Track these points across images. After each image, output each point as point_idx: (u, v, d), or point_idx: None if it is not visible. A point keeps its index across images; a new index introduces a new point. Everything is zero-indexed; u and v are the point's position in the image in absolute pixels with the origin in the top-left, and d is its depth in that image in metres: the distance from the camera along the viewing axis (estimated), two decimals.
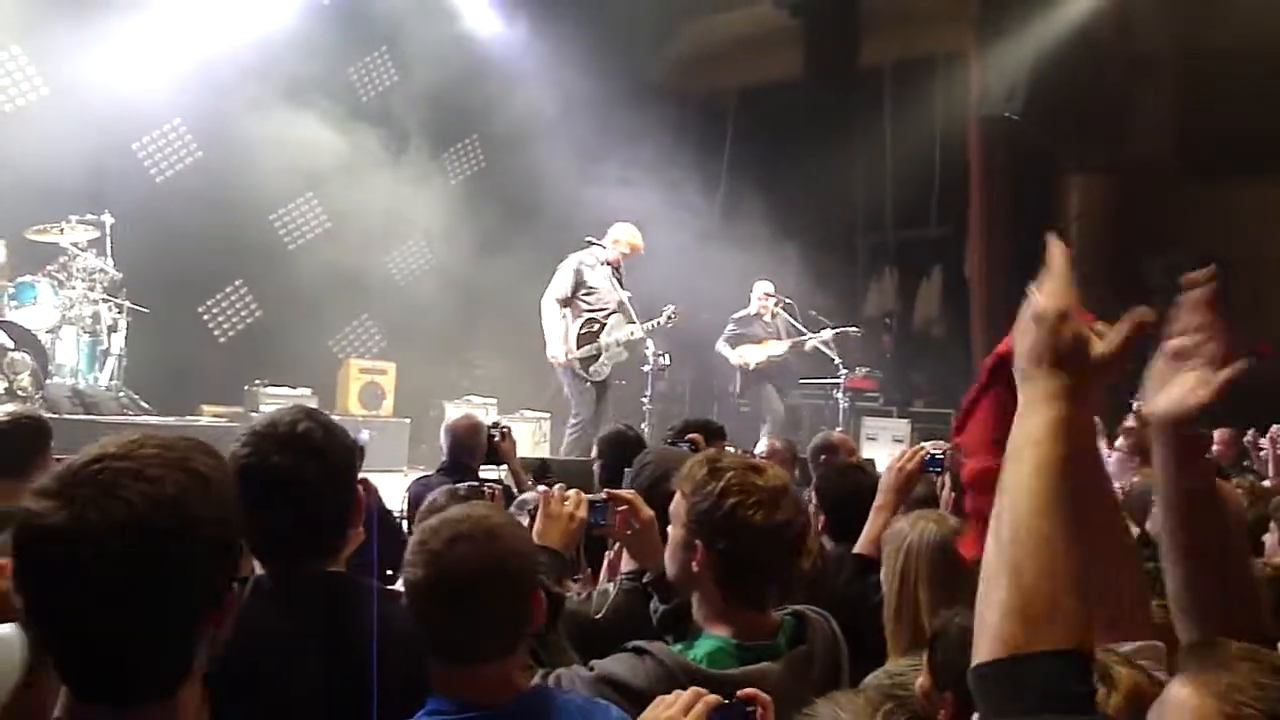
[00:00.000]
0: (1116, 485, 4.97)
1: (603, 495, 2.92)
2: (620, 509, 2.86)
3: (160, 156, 11.00)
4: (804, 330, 10.32)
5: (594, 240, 9.08)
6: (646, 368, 9.21)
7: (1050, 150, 11.49)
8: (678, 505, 2.45)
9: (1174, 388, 1.19)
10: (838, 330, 10.29)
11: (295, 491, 2.16)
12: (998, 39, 11.13)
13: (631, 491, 2.98)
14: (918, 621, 2.64)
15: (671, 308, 9.16)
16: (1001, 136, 11.51)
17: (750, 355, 10.42)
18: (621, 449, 4.54)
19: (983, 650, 1.19)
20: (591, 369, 9.07)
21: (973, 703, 1.21)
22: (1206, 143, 10.75)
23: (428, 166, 11.56)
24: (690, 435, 4.71)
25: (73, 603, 1.35)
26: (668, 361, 9.43)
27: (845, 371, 10.30)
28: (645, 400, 9.38)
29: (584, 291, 9.06)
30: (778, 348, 10.37)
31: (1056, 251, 1.43)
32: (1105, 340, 1.34)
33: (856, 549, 3.49)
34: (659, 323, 9.09)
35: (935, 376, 11.98)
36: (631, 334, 9.08)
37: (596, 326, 9.07)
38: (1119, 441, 5.54)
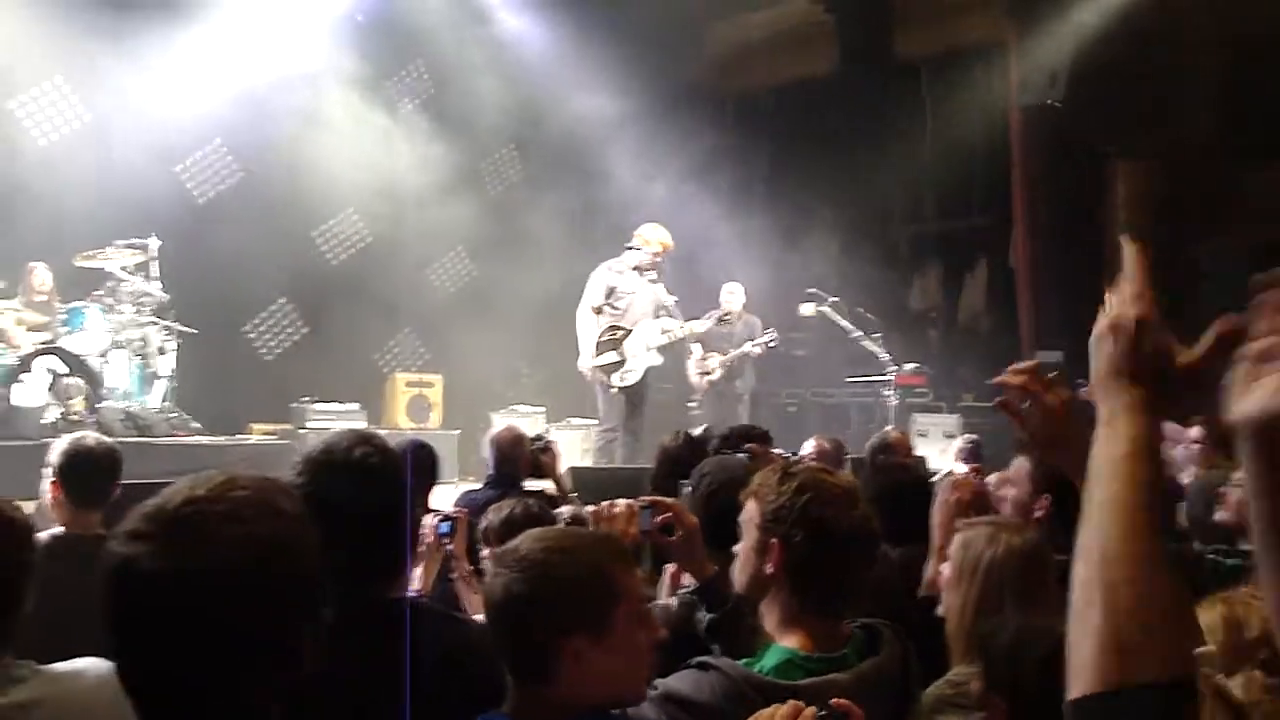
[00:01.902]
0: (1184, 477, 4.90)
1: (645, 501, 2.89)
2: (662, 516, 2.83)
3: (203, 178, 11.14)
4: (852, 327, 10.21)
5: (631, 245, 9.06)
6: (695, 378, 9.17)
7: (1094, 137, 11.33)
8: (750, 512, 2.43)
9: (1260, 389, 1.15)
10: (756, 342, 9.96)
11: (356, 519, 2.14)
12: (1036, 26, 11.00)
13: (674, 500, 2.94)
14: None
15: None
16: (1043, 125, 11.37)
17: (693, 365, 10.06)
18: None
19: (1079, 683, 1.15)
20: (615, 376, 8.97)
21: (1023, 708, 1.18)
22: (1254, 124, 10.55)
23: (467, 177, 11.59)
24: (748, 445, 4.65)
25: (165, 646, 1.35)
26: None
27: (894, 368, 10.21)
28: (693, 406, 9.35)
29: (614, 298, 9.01)
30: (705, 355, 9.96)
31: (1132, 254, 1.37)
32: (1190, 349, 1.29)
33: (921, 591, 3.34)
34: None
35: (984, 370, 11.83)
36: (668, 336, 8.99)
37: (620, 333, 8.98)
38: (1193, 431, 5.42)
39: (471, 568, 3.61)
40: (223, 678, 1.37)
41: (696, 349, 9.78)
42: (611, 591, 2.00)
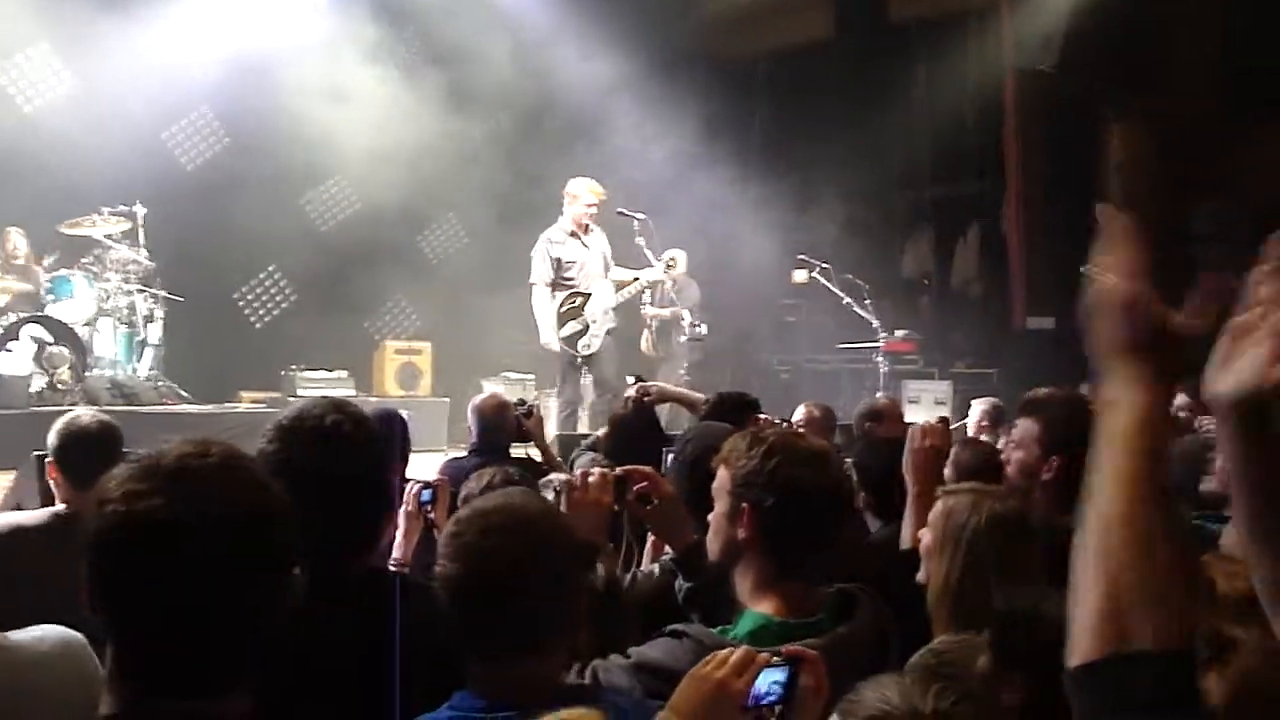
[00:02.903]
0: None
1: (621, 471, 2.87)
2: (638, 485, 2.80)
3: (189, 145, 11.06)
4: (843, 294, 10.12)
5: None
6: (682, 339, 9.05)
7: (1088, 99, 11.27)
8: (721, 478, 2.42)
9: (1238, 365, 1.12)
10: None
11: (327, 487, 2.11)
12: None
13: (650, 469, 2.92)
14: (972, 601, 2.56)
15: (670, 254, 8.80)
16: (1037, 89, 11.30)
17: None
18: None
19: (1080, 650, 1.15)
20: (580, 344, 8.66)
21: (1043, 683, 1.17)
22: (1254, 82, 10.47)
23: (460, 142, 11.48)
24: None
25: (172, 593, 1.38)
26: (704, 331, 9.27)
27: (884, 335, 10.17)
28: (682, 373, 9.26)
29: (563, 269, 8.69)
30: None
31: (1114, 224, 1.33)
32: (1183, 313, 1.26)
33: (904, 544, 3.30)
34: (657, 275, 8.72)
35: (975, 336, 11.82)
36: (623, 291, 8.73)
37: (579, 300, 8.65)
38: (1180, 398, 5.37)
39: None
40: (224, 622, 1.41)
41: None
42: (546, 562, 1.97)
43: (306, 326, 10.91)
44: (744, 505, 2.32)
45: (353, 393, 9.69)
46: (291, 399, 9.81)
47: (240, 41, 10.42)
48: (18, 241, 9.20)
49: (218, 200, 10.43)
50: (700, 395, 5.45)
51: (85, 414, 3.73)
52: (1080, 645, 1.15)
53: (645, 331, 10.06)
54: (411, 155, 11.06)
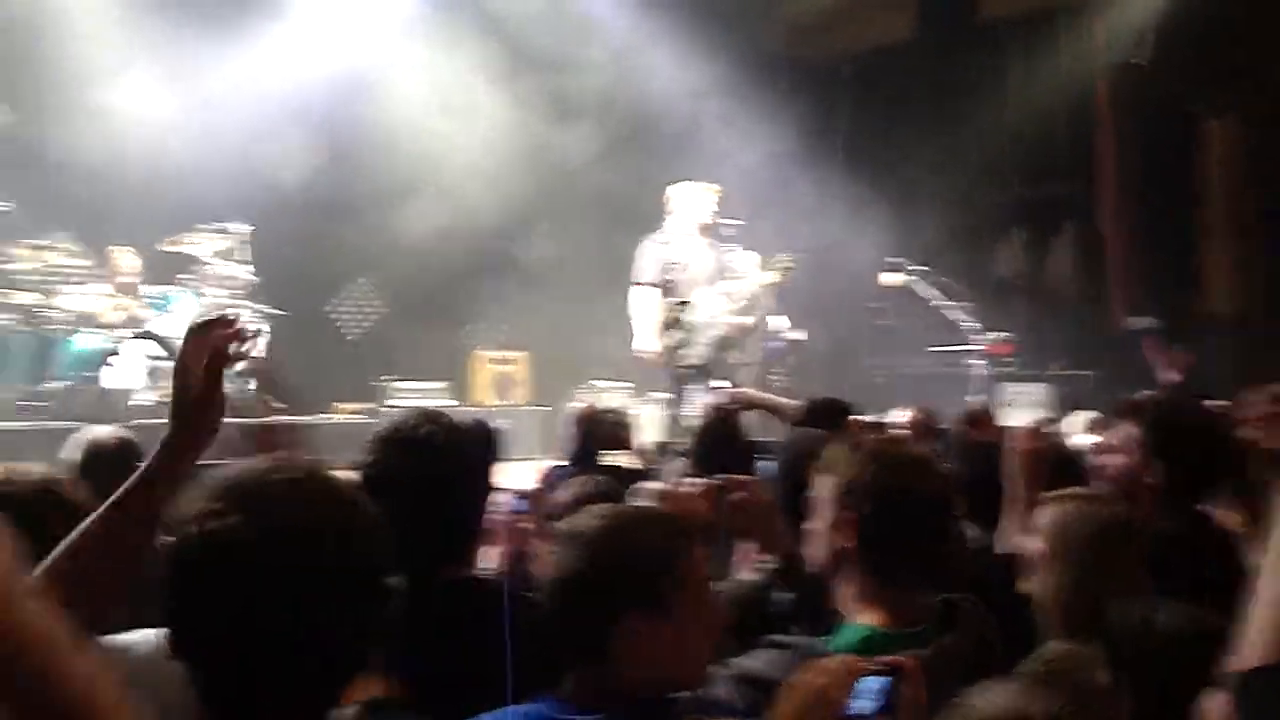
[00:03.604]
0: None
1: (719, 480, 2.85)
2: (735, 495, 2.78)
3: (288, 161, 11.28)
4: (936, 296, 9.96)
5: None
6: (773, 344, 8.96)
7: (1184, 96, 11.02)
8: (821, 487, 2.40)
9: None
10: None
11: (422, 496, 2.14)
12: None
13: (748, 477, 2.90)
14: (1081, 609, 2.51)
15: (778, 258, 8.63)
16: (1131, 85, 11.08)
17: None
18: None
19: (1252, 655, 1.19)
20: (681, 353, 8.51)
21: (1153, 694, 1.17)
22: None
23: (548, 150, 11.58)
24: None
25: (254, 612, 1.36)
26: (802, 336, 9.16)
27: (981, 337, 10.00)
28: (774, 378, 9.18)
29: (669, 272, 8.57)
30: None
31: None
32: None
33: (1000, 549, 3.26)
34: (762, 279, 8.53)
35: (1072, 338, 11.60)
36: (727, 298, 8.64)
37: (681, 308, 8.49)
38: None
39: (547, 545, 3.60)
40: (305, 644, 1.39)
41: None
42: (670, 570, 1.97)
43: (400, 337, 11.07)
44: (846, 514, 2.31)
45: (448, 403, 9.80)
46: (385, 410, 9.98)
47: (337, 58, 10.67)
48: (124, 259, 9.44)
49: (312, 213, 10.66)
50: (790, 401, 5.41)
51: (104, 430, 3.79)
52: (1253, 649, 1.18)
53: (733, 337, 10.01)
54: (505, 165, 11.18)
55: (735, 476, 2.86)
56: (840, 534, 2.32)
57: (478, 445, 2.34)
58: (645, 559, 1.94)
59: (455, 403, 10.08)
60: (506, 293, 11.94)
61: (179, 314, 9.14)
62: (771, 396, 6.14)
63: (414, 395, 10.03)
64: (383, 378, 10.46)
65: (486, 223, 11.45)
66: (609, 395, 10.33)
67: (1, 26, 9.48)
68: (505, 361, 11.23)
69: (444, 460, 2.20)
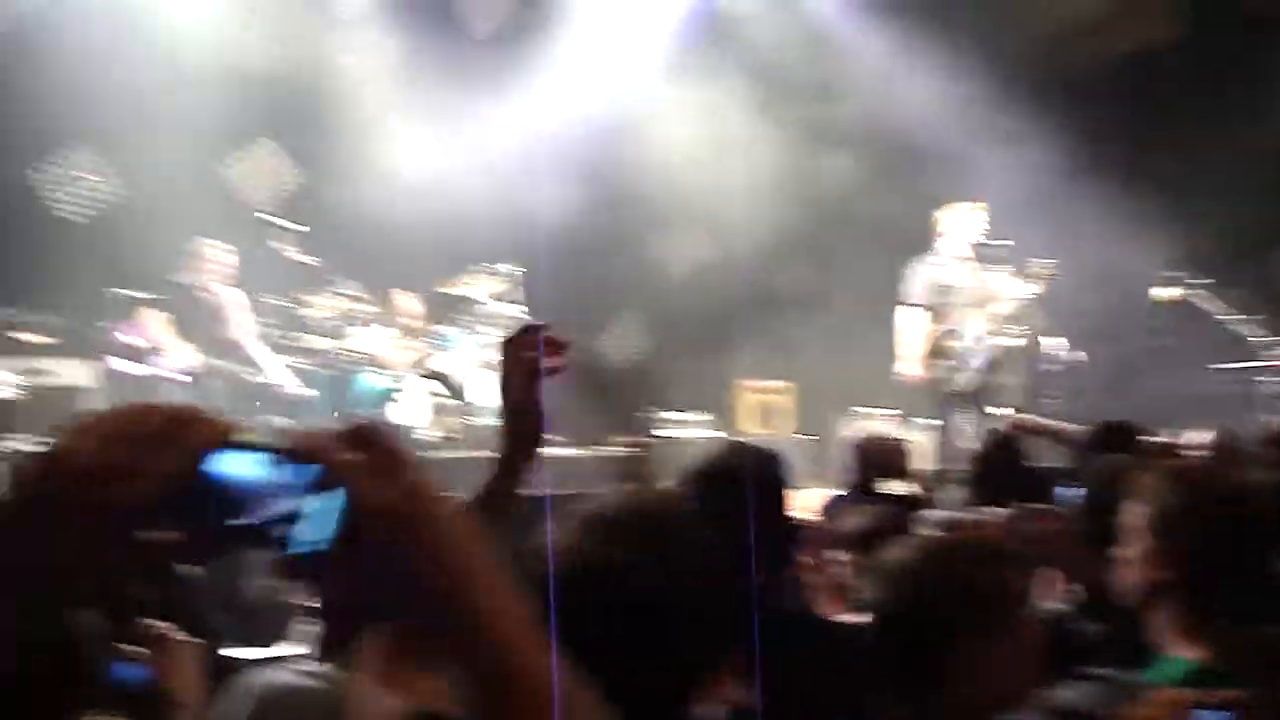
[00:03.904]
0: None
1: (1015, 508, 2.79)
2: (1035, 524, 2.72)
3: (550, 203, 11.71)
4: (1219, 311, 9.43)
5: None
6: (1057, 366, 8.68)
7: None
8: (1134, 516, 2.31)
9: None
10: None
11: (737, 528, 2.17)
12: None
13: (1047, 506, 2.83)
14: None
15: (1037, 267, 8.42)
16: None
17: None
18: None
19: None
20: (947, 379, 8.49)
21: None
22: None
23: (803, 176, 11.59)
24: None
25: (618, 640, 1.38)
26: (1079, 357, 8.84)
27: (1272, 352, 9.40)
28: (1050, 401, 8.86)
29: (938, 295, 8.57)
30: None
31: None
32: None
33: None
34: (1028, 297, 8.38)
35: None
36: (997, 320, 8.49)
37: (950, 334, 8.49)
38: None
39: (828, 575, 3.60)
40: (665, 676, 1.42)
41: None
42: (1001, 596, 1.96)
43: (664, 370, 11.26)
44: (1163, 543, 2.22)
45: (715, 434, 9.92)
46: (653, 442, 10.19)
47: (600, 101, 11.08)
48: (405, 303, 10.00)
49: (582, 253, 11.03)
50: (1072, 426, 5.23)
51: None
52: None
53: (1001, 360, 9.74)
54: (767, 195, 11.27)
55: (1034, 505, 2.80)
56: (1157, 564, 2.24)
57: (782, 475, 2.37)
58: (979, 585, 1.93)
59: (720, 434, 10.16)
60: (769, 322, 11.98)
61: (459, 353, 9.57)
62: (1053, 422, 5.95)
63: (681, 427, 10.20)
64: (652, 410, 10.65)
65: (749, 253, 11.56)
66: (875, 423, 10.21)
67: (290, 95, 10.22)
68: (769, 391, 11.25)
69: (757, 491, 2.24)
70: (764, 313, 11.90)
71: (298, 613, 5.08)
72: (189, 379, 8.52)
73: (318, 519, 0.84)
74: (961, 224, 8.61)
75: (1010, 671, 1.95)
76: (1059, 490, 3.41)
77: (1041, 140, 10.87)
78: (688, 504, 1.53)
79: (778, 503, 2.30)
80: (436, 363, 9.51)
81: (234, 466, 0.84)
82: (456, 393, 9.25)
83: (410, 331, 9.85)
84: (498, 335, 9.68)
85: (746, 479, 2.27)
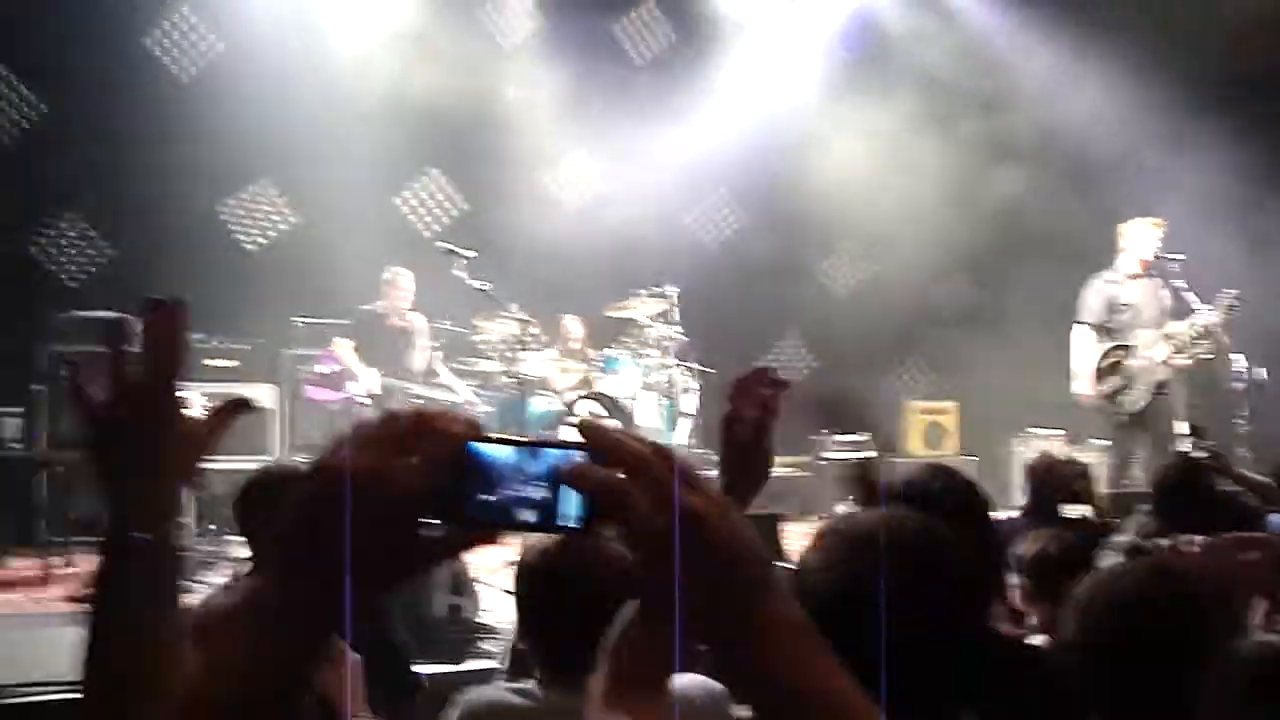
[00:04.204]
0: None
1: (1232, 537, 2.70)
2: (1248, 553, 2.62)
3: (711, 225, 11.82)
4: None
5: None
6: (1239, 385, 8.33)
7: None
8: None
9: None
10: None
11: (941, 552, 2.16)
12: None
13: (1262, 534, 2.73)
14: None
15: (1227, 294, 8.08)
16: None
17: None
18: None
19: None
20: (1122, 399, 8.21)
21: None
22: None
23: (966, 191, 11.41)
24: None
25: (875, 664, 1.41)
26: (1264, 376, 8.45)
27: None
28: (1241, 422, 8.45)
29: (1114, 312, 8.32)
30: None
31: None
32: None
33: None
34: (1210, 319, 7.99)
35: None
36: (1175, 340, 8.19)
37: (1123, 353, 8.21)
38: None
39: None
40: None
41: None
42: (1215, 625, 1.91)
43: (830, 391, 11.19)
44: None
45: (877, 454, 9.84)
46: (820, 462, 10.17)
47: (762, 122, 11.13)
48: (571, 326, 10.18)
49: (739, 273, 11.06)
50: (1261, 479, 5.05)
51: None
52: None
53: (1176, 381, 9.38)
54: (932, 211, 11.16)
55: (1249, 534, 2.71)
56: None
57: (985, 499, 2.34)
58: (1194, 614, 1.89)
59: (885, 455, 10.07)
60: (936, 340, 11.82)
61: (623, 376, 9.68)
62: (1247, 474, 5.71)
63: (847, 448, 10.14)
64: (821, 432, 10.61)
65: (914, 271, 11.44)
66: (1044, 443, 9.98)
67: (458, 125, 10.51)
68: (936, 411, 11.09)
69: (960, 514, 2.22)
70: (930, 331, 11.74)
71: (482, 630, 5.23)
72: (376, 403, 8.78)
73: (570, 504, 0.90)
74: (1138, 239, 8.35)
75: (1225, 700, 1.90)
76: (1272, 519, 3.29)
77: (1223, 147, 10.44)
78: (940, 529, 1.53)
79: (986, 528, 2.27)
80: (602, 385, 9.62)
81: (488, 456, 0.91)
82: (622, 415, 9.34)
83: (575, 355, 10.00)
84: (660, 357, 9.81)
85: (951, 503, 2.25)
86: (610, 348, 10.06)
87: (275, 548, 0.89)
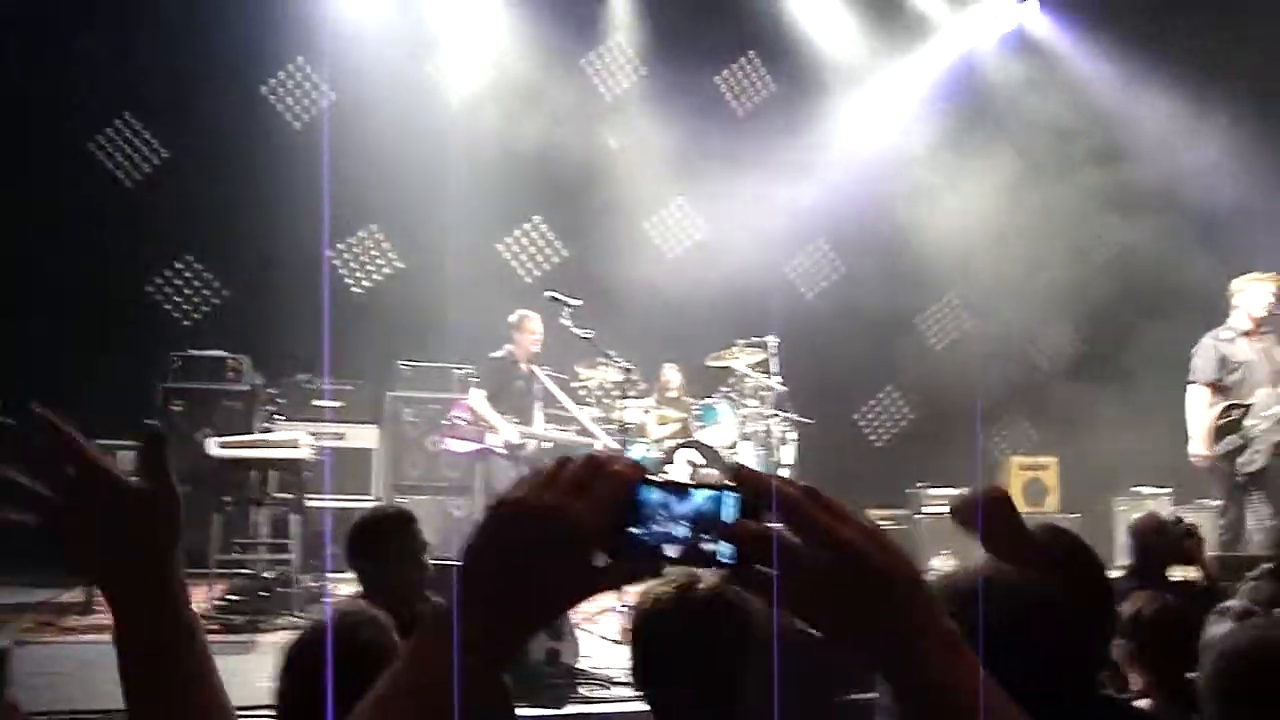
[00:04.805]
0: None
1: None
2: None
3: (809, 275, 11.82)
4: None
5: (1234, 305, 8.18)
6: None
7: None
8: None
9: None
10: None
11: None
12: None
13: None
14: None
15: None
16: None
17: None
18: None
19: None
20: (1239, 461, 7.99)
21: None
22: None
23: (1071, 246, 11.28)
24: None
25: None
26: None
27: None
28: None
29: (1226, 371, 8.13)
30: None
31: None
32: None
33: None
34: None
35: None
36: None
37: (1239, 412, 8.00)
38: None
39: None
40: None
41: None
42: None
43: (927, 444, 11.08)
44: None
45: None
46: (917, 517, 10.07)
47: (842, 176, 11.15)
48: (670, 375, 10.22)
49: (836, 325, 11.04)
50: None
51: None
52: None
53: None
54: (1021, 266, 11.03)
55: None
56: None
57: (1098, 559, 2.31)
58: None
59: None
60: (1032, 396, 11.68)
61: (722, 425, 9.68)
62: None
63: (945, 502, 10.00)
64: (916, 485, 10.50)
65: (1018, 325, 11.32)
66: (1150, 502, 9.77)
67: (562, 176, 10.68)
68: (1036, 467, 10.92)
69: (1075, 575, 2.20)
70: (1033, 385, 11.59)
71: (581, 675, 5.25)
72: (513, 451, 8.85)
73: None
74: (1250, 296, 8.17)
75: None
76: None
77: None
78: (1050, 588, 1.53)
79: (1101, 590, 2.24)
80: (700, 434, 9.64)
81: (647, 495, 0.99)
82: (721, 465, 9.34)
83: (673, 403, 10.04)
84: (759, 407, 9.79)
85: (1068, 563, 2.22)
86: (709, 397, 10.08)
87: (462, 577, 0.97)
